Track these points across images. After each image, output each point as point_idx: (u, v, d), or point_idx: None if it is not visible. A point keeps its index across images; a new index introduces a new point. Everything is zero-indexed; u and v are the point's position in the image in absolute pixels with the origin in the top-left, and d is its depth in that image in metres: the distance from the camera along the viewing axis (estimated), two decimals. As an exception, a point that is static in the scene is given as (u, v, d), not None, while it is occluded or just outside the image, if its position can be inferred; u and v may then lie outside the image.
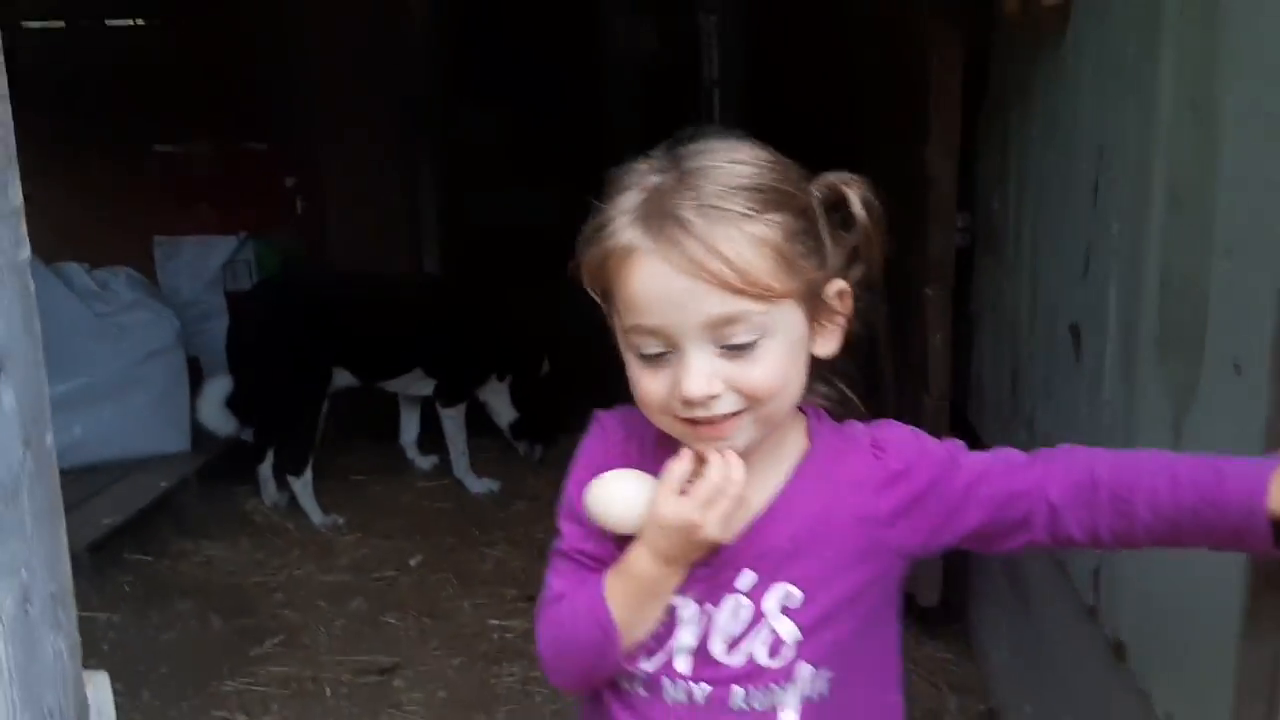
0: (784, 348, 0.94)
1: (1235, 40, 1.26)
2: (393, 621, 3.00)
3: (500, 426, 4.06)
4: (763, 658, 0.98)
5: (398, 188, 4.77)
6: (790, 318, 0.94)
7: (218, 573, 3.31)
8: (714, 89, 6.46)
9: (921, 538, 1.01)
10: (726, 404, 0.93)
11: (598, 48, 7.31)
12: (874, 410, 1.08)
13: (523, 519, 3.66)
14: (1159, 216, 1.54)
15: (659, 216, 0.92)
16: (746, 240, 0.91)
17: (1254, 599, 1.14)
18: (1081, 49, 1.88)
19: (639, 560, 0.98)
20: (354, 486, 3.90)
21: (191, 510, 3.62)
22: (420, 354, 3.78)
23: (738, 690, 0.98)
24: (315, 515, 3.61)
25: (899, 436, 1.03)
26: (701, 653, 0.99)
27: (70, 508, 0.94)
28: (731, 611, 0.99)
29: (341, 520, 3.62)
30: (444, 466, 4.01)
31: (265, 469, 3.74)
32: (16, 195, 0.83)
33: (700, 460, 0.96)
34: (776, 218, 0.92)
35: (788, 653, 0.98)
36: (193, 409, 3.70)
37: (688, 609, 0.99)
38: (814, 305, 0.96)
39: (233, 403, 3.65)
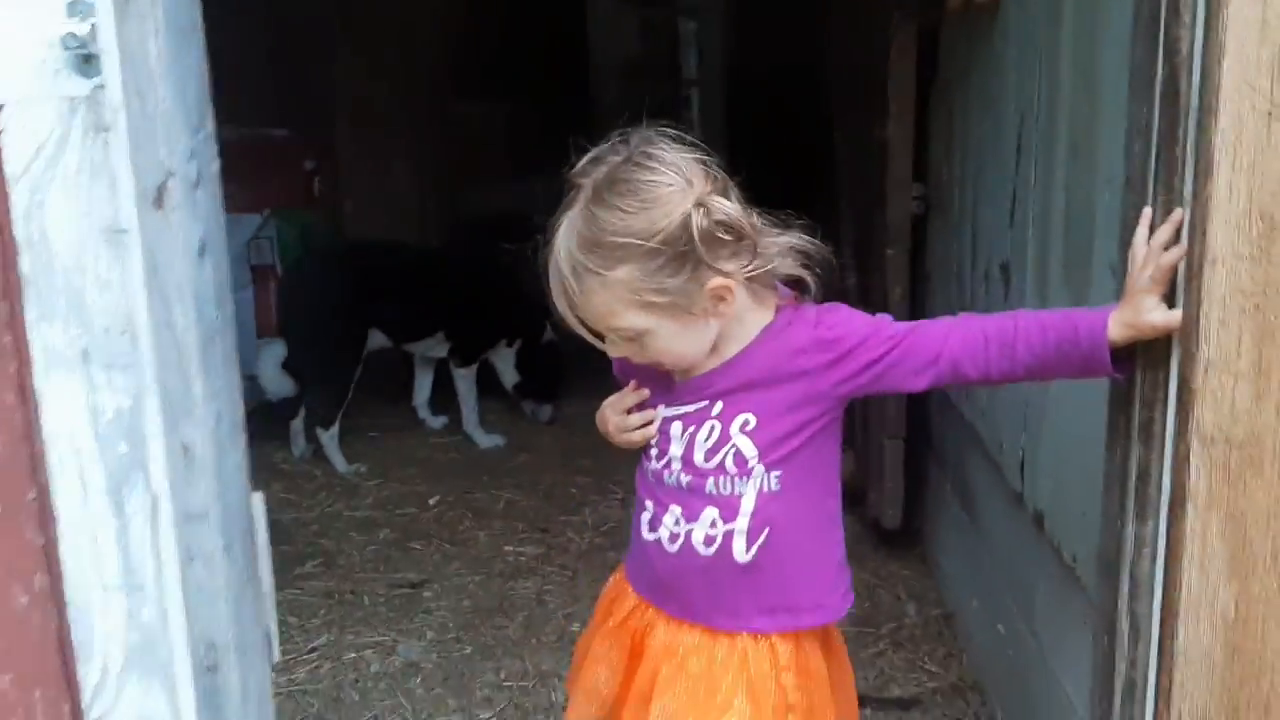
0: (667, 335, 1.32)
1: (1112, 18, 1.65)
2: (418, 547, 3.35)
3: (506, 387, 4.42)
4: (729, 465, 1.37)
5: (406, 172, 5.16)
6: (666, 324, 1.30)
7: (254, 509, 3.64)
8: (693, 88, 6.86)
9: (855, 381, 1.35)
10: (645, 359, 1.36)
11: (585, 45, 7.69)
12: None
13: (529, 468, 3.99)
14: (1063, 165, 1.93)
15: (557, 271, 1.30)
16: (609, 292, 1.27)
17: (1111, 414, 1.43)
18: (1008, 34, 2.27)
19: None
20: (371, 441, 4.23)
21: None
22: (443, 319, 4.16)
23: (710, 480, 1.38)
24: (340, 464, 3.94)
25: (835, 312, 1.39)
26: (687, 459, 1.39)
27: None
28: (707, 432, 1.38)
29: (364, 468, 3.96)
30: (454, 425, 4.34)
31: (297, 423, 4.07)
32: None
33: (636, 388, 1.44)
34: (635, 269, 1.25)
35: (748, 462, 1.37)
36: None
37: (677, 429, 1.40)
38: (691, 307, 1.30)
39: (287, 365, 4.00)
